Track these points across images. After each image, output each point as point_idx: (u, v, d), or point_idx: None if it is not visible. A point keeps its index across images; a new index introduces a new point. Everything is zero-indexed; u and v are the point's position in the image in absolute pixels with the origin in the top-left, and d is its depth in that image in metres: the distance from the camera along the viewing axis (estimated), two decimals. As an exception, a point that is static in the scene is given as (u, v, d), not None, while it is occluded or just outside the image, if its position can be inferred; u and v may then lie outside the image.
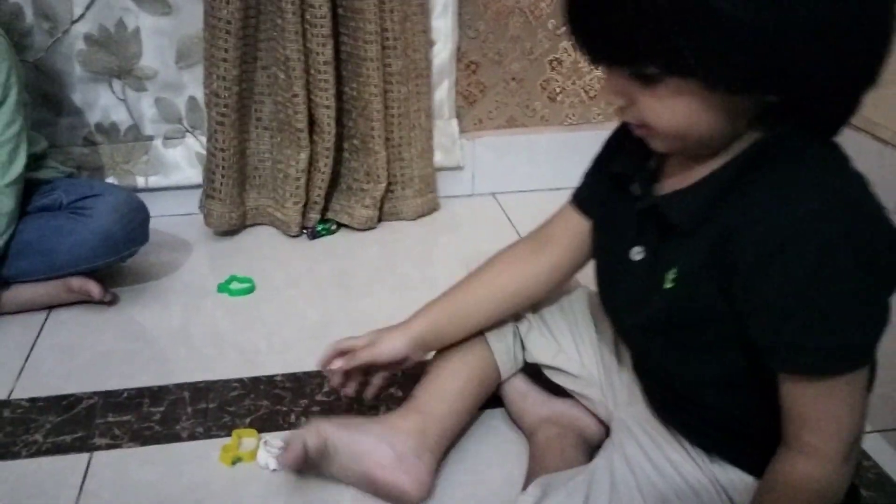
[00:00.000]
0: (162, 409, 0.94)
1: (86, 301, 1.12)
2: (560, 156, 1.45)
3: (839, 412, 0.58)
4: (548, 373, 0.87)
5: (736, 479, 0.69)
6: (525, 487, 0.75)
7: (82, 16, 1.23)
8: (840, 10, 0.52)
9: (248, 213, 1.34)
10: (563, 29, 0.62)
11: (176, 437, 0.90)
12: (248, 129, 1.30)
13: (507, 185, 1.49)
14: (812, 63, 0.54)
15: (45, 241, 1.07)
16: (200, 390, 0.97)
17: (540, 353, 0.87)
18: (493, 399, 0.90)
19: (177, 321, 1.12)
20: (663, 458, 0.72)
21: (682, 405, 0.71)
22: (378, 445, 0.78)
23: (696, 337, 0.65)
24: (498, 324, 0.86)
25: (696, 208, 0.62)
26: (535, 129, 1.48)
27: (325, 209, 1.36)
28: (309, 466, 0.78)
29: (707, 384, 0.67)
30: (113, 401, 0.95)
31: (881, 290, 0.57)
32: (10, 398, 0.95)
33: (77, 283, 1.10)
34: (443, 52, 1.35)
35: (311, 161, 1.30)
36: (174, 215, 1.27)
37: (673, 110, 0.59)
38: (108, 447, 0.88)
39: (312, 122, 1.28)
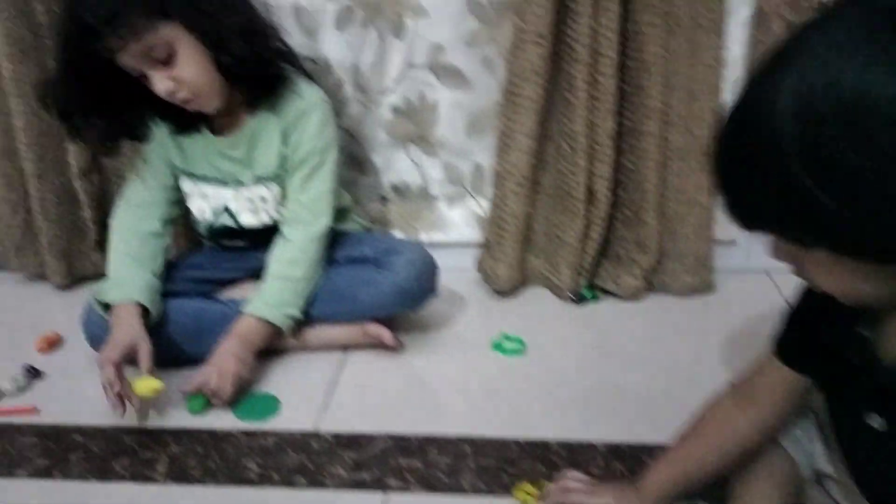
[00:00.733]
0: (447, 459, 1.01)
1: (376, 345, 1.24)
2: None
3: None
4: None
5: None
6: None
7: (392, 90, 1.37)
8: None
9: (526, 275, 1.41)
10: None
11: (460, 489, 0.96)
12: (536, 196, 1.37)
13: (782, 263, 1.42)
14: None
15: (353, 289, 1.21)
16: (480, 446, 1.03)
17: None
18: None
19: (456, 374, 1.19)
20: None
21: None
22: None
23: None
24: None
25: None
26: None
27: (591, 275, 1.39)
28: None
29: None
30: (404, 445, 1.04)
31: None
32: (318, 430, 1.07)
33: (373, 329, 1.21)
34: (726, 124, 1.33)
35: (585, 229, 1.34)
36: (449, 270, 1.36)
37: (831, 276, 0.58)
38: (400, 489, 0.96)
39: (589, 192, 1.32)
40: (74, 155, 1.40)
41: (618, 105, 1.27)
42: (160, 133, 1.22)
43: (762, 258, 1.41)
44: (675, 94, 1.27)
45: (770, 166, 0.52)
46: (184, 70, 1.07)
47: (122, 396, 1.06)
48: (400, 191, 1.46)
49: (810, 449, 0.81)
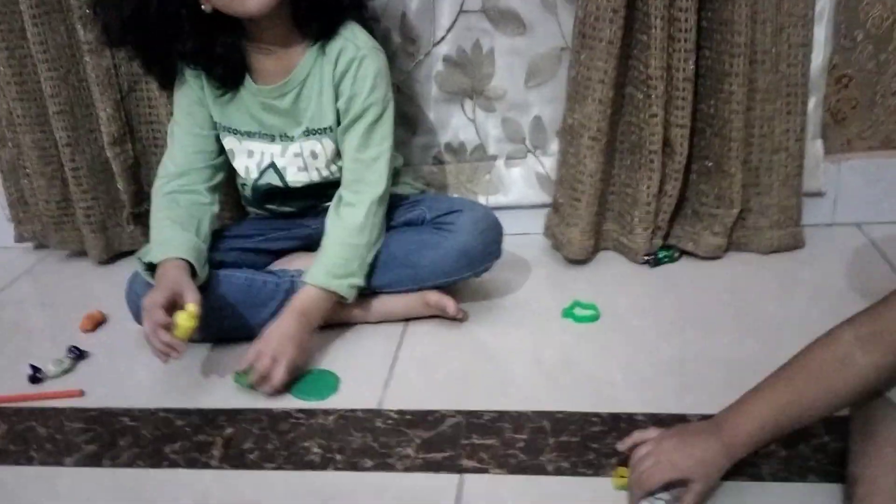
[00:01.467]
0: (525, 437, 0.91)
1: (438, 316, 1.15)
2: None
3: None
4: None
5: None
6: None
7: (443, 38, 1.27)
8: None
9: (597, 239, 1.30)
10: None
11: (542, 470, 0.87)
12: (611, 154, 1.25)
13: (876, 215, 1.30)
14: None
15: (411, 254, 1.11)
16: (560, 421, 0.93)
17: None
18: None
19: (526, 344, 1.10)
20: None
21: None
22: None
23: None
24: None
25: None
26: (916, 151, 1.27)
27: (666, 235, 1.28)
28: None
29: None
30: (476, 422, 0.95)
31: None
32: (381, 408, 0.99)
33: (434, 297, 1.12)
34: (813, 64, 1.20)
35: (660, 184, 1.22)
36: (511, 234, 1.26)
37: None
38: (477, 471, 0.87)
39: (664, 143, 1.21)
40: (106, 123, 1.32)
41: (697, 44, 1.15)
42: (198, 89, 1.14)
43: (852, 210, 1.31)
44: (761, 27, 1.14)
45: None
46: None
47: (169, 344, 0.97)
48: (455, 151, 1.36)
49: None
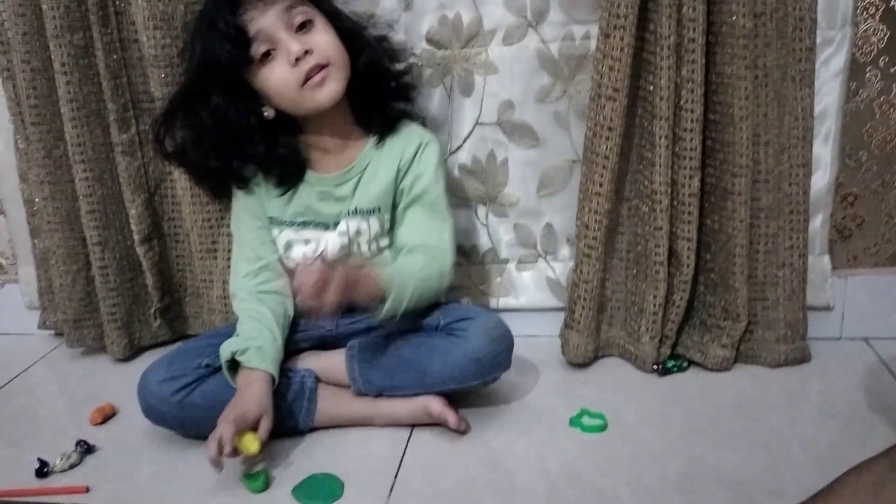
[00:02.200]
0: (528, 552, 0.91)
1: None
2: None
3: None
4: None
5: None
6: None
7: (460, 147, 1.32)
8: None
9: (601, 345, 1.31)
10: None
11: (545, 588, 0.86)
12: (609, 261, 1.29)
13: (884, 330, 1.31)
14: None
15: (421, 358, 1.13)
16: (564, 536, 0.93)
17: None
18: None
19: (532, 453, 1.09)
20: None
21: None
22: None
23: None
24: None
25: None
26: (922, 269, 1.29)
27: (675, 344, 1.29)
28: None
29: None
30: (479, 535, 0.94)
31: None
32: (385, 515, 0.99)
33: (437, 409, 1.12)
34: (819, 182, 1.24)
35: (667, 295, 1.24)
36: (520, 336, 1.27)
37: None
38: (478, 586, 0.86)
39: (670, 255, 1.23)
40: (136, 221, 1.37)
41: (702, 162, 1.19)
42: (255, 187, 1.21)
43: (860, 324, 1.32)
44: (764, 149, 1.18)
45: None
46: (318, 38, 1.10)
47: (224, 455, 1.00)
48: (468, 254, 1.39)
49: None
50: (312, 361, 1.20)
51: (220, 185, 1.25)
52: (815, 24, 1.14)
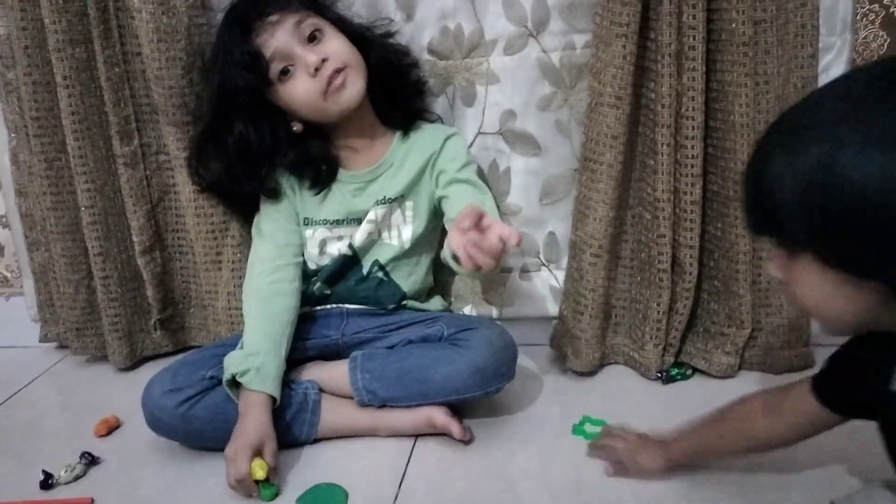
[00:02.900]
0: (533, 562, 0.90)
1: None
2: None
3: None
4: None
5: None
6: None
7: (462, 158, 1.32)
8: None
9: (605, 353, 1.31)
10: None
11: None
12: (614, 270, 1.29)
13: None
14: None
15: (424, 369, 1.12)
16: (569, 546, 0.92)
17: None
18: None
19: (535, 462, 1.09)
20: None
21: None
22: None
23: None
24: None
25: None
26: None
27: (679, 351, 1.29)
28: None
29: None
30: (484, 545, 0.94)
31: None
32: (389, 526, 0.98)
33: (441, 420, 1.12)
34: (821, 190, 1.23)
35: (670, 302, 1.24)
36: (523, 345, 1.27)
37: (804, 285, 0.67)
38: None
39: (673, 262, 1.23)
40: (137, 232, 1.38)
41: (704, 169, 1.19)
42: (288, 189, 1.24)
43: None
44: (766, 156, 1.18)
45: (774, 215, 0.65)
46: (331, 44, 1.14)
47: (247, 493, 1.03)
48: (470, 263, 1.39)
49: None
50: (315, 372, 1.20)
51: (253, 207, 1.27)
52: (817, 31, 1.15)
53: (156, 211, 1.40)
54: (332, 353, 1.24)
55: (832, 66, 1.19)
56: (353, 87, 1.15)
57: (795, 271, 0.67)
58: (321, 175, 1.22)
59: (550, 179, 1.32)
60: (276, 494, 1.04)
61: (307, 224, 1.25)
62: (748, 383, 1.25)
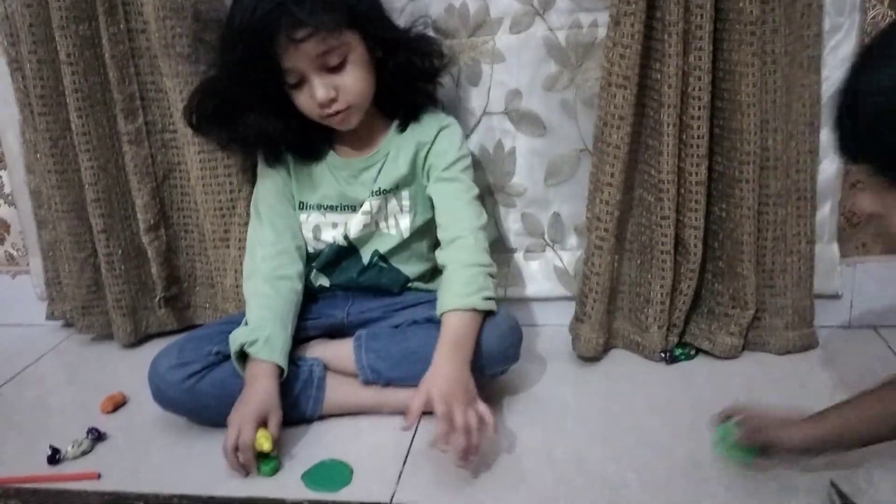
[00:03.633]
0: (537, 538, 0.91)
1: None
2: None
3: None
4: None
5: None
6: None
7: (467, 136, 1.32)
8: None
9: (610, 336, 1.32)
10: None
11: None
12: (619, 253, 1.28)
13: (892, 319, 1.31)
14: None
15: (427, 350, 1.12)
16: (573, 522, 0.93)
17: None
18: None
19: (539, 441, 1.10)
20: None
21: None
22: None
23: None
24: None
25: None
26: (932, 256, 1.29)
27: (682, 332, 1.29)
28: None
29: None
30: (490, 521, 0.94)
31: None
32: (393, 502, 0.99)
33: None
34: (828, 169, 1.23)
35: (674, 283, 1.24)
36: (527, 326, 1.27)
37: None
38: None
39: (677, 244, 1.23)
40: (142, 210, 1.38)
41: (710, 150, 1.19)
42: (283, 170, 1.24)
43: (868, 312, 1.32)
44: (772, 136, 1.18)
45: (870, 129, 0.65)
46: (348, 78, 1.11)
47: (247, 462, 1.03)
48: (474, 243, 1.39)
49: None
50: (320, 350, 1.20)
51: (252, 142, 1.24)
52: (822, 11, 1.14)
53: (161, 189, 1.40)
54: (337, 333, 1.24)
55: (840, 46, 1.18)
56: (349, 123, 1.16)
57: (893, 198, 0.67)
58: (314, 146, 1.23)
59: (556, 160, 1.32)
60: (277, 470, 1.05)
61: (302, 208, 1.25)
62: (751, 364, 1.26)
